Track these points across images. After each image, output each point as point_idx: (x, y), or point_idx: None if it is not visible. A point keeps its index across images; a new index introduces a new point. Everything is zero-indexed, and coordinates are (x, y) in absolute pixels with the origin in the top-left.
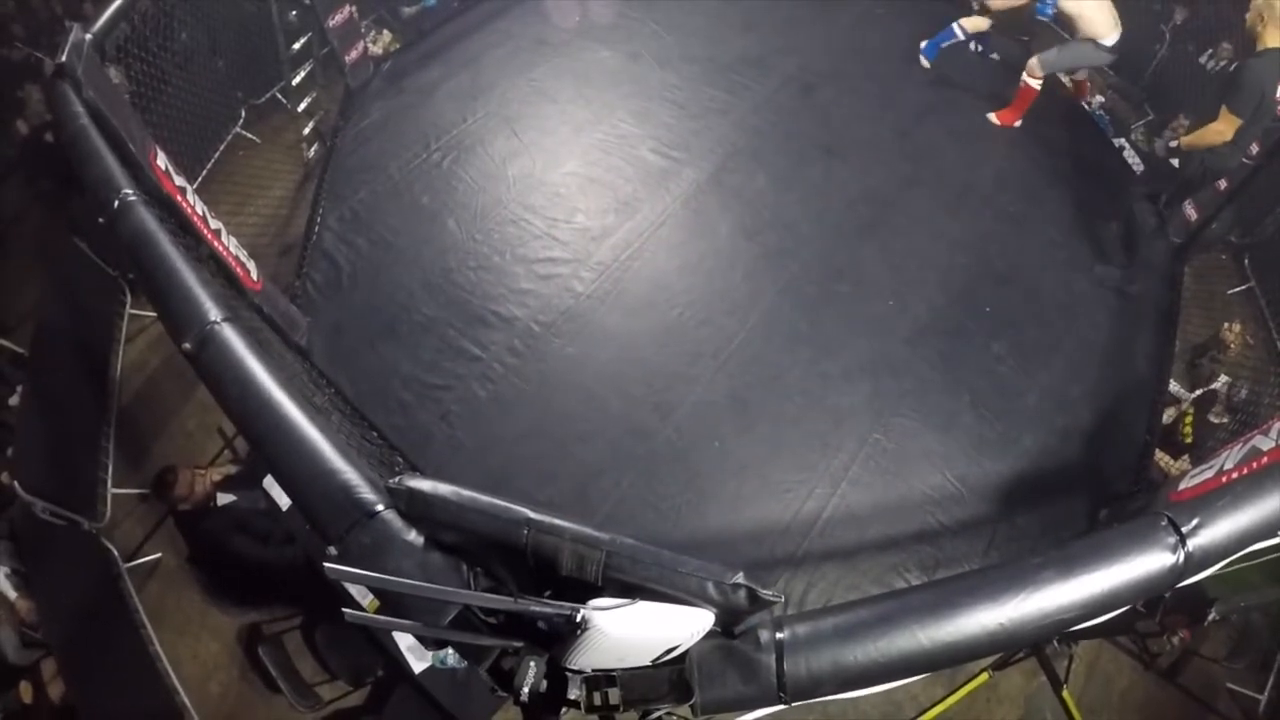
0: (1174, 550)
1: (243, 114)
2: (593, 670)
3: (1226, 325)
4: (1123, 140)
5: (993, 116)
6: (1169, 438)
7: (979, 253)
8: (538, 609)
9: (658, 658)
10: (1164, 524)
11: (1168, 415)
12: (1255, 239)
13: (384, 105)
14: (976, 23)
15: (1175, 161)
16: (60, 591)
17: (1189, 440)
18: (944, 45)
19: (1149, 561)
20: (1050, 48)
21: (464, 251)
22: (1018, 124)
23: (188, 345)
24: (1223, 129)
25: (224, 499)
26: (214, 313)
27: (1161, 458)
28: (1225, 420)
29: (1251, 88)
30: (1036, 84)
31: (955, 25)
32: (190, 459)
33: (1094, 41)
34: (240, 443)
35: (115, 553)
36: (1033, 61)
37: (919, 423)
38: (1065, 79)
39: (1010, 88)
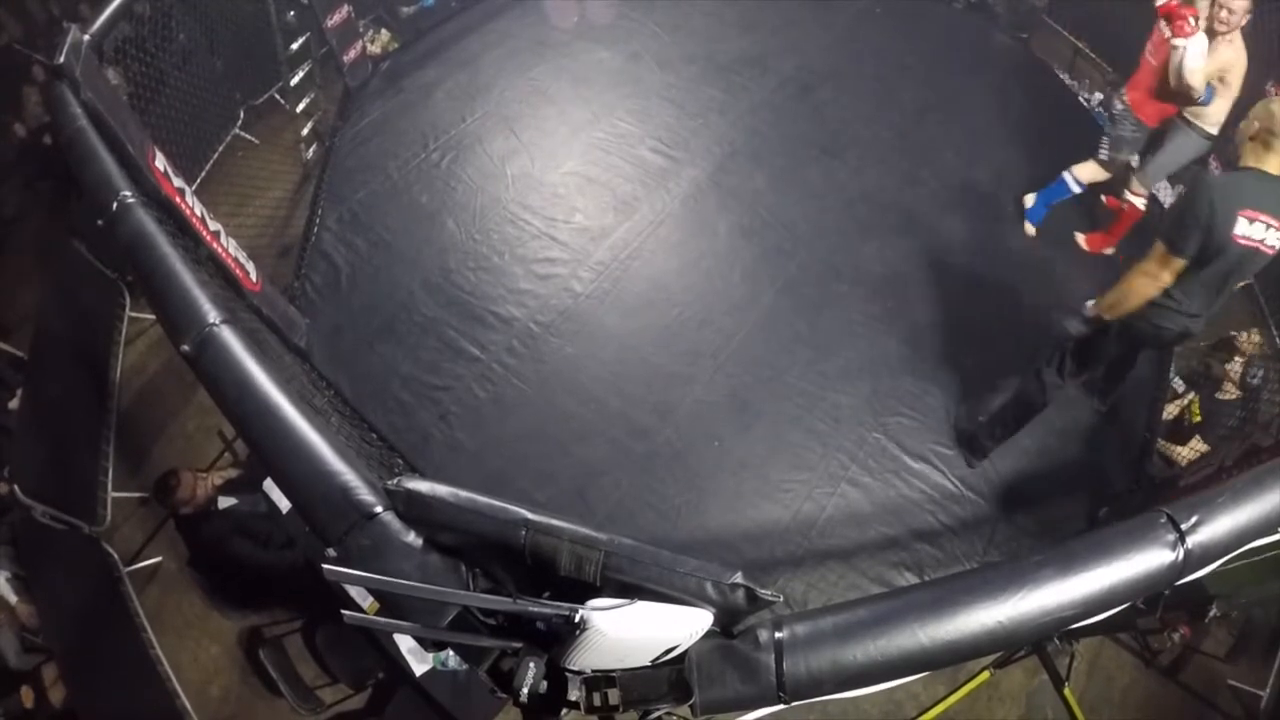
0: (1173, 547)
1: (241, 115)
2: (592, 671)
3: (1245, 335)
4: None
5: (1081, 239)
6: (1174, 431)
7: (978, 252)
8: (536, 610)
9: (657, 658)
10: (1163, 521)
11: (1169, 411)
12: None
13: (382, 105)
14: (1094, 172)
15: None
16: (61, 596)
17: (1198, 420)
18: (1055, 204)
19: (1148, 559)
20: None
21: (463, 252)
22: (1109, 251)
23: (187, 347)
24: (1154, 271)
25: (224, 502)
26: (213, 315)
27: (1167, 447)
28: (1236, 395)
29: (1197, 213)
30: (1141, 202)
31: (1067, 176)
32: (190, 462)
33: (1200, 128)
34: (240, 445)
35: (115, 556)
36: (1138, 175)
37: (919, 422)
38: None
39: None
